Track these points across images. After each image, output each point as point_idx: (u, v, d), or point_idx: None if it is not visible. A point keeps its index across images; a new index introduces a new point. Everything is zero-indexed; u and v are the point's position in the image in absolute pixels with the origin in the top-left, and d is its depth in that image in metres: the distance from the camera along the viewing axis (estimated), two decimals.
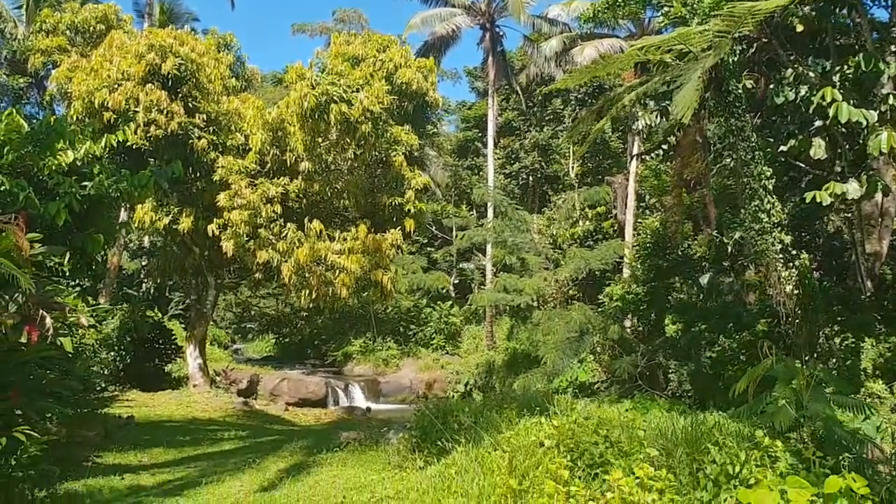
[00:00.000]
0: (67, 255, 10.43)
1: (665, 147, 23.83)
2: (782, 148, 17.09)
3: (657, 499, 5.27)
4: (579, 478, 5.88)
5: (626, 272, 26.80)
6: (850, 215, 24.87)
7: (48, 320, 7.45)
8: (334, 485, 8.28)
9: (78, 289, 20.69)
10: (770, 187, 14.99)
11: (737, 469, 5.24)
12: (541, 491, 5.25)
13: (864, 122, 13.89)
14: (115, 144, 10.09)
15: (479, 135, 43.60)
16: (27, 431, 6.84)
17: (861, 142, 17.23)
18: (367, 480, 8.29)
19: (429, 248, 42.44)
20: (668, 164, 31.08)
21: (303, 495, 7.77)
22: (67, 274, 10.53)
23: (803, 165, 19.65)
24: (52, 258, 10.06)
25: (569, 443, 6.27)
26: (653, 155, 25.10)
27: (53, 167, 8.99)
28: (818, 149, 15.93)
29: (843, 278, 20.94)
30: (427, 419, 9.30)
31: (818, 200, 14.94)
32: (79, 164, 9.44)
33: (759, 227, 15.03)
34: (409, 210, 17.29)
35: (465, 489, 6.37)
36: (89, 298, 18.22)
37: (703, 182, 19.68)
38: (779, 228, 14.94)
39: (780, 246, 14.87)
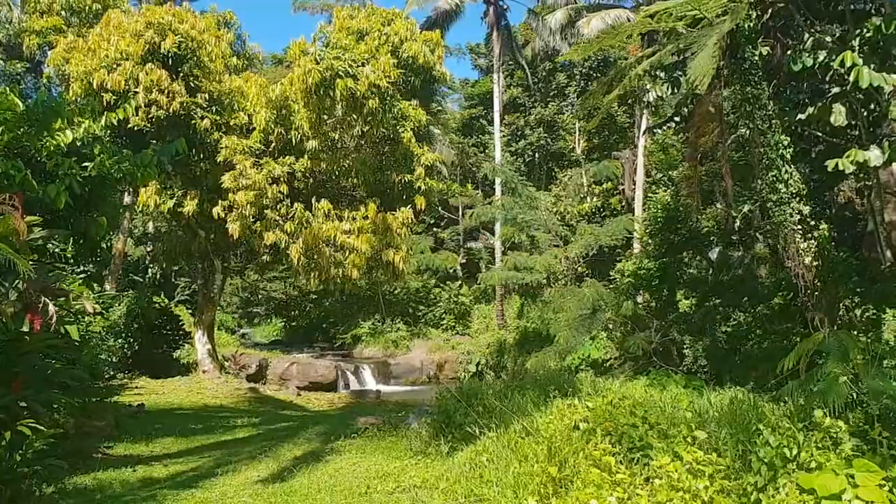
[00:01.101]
0: (70, 240, 10.12)
1: (677, 119, 23.42)
2: (800, 116, 16.70)
3: (708, 485, 4.91)
4: (619, 463, 5.51)
5: (637, 248, 26.46)
6: (861, 185, 24.49)
7: (51, 308, 7.09)
8: (355, 473, 7.90)
9: (83, 275, 20.49)
10: (788, 157, 14.64)
11: (794, 452, 4.87)
12: (585, 479, 4.89)
13: (886, 87, 13.45)
14: (115, 123, 9.66)
15: (484, 112, 43.10)
16: (32, 425, 6.50)
17: (878, 108, 16.85)
18: (390, 468, 7.92)
19: (435, 229, 42.11)
20: (678, 137, 30.73)
21: (323, 485, 7.40)
22: (71, 260, 10.17)
23: (820, 134, 19.27)
24: (53, 243, 9.72)
25: (606, 426, 5.90)
26: (664, 128, 24.63)
27: (52, 148, 8.57)
28: (839, 115, 15.50)
29: (857, 249, 20.58)
30: (450, 402, 8.94)
31: (840, 168, 14.63)
32: (78, 144, 9.02)
33: (777, 198, 14.71)
34: (419, 187, 16.84)
35: (498, 478, 6.02)
36: (94, 285, 17.93)
37: (720, 153, 19.24)
38: (797, 199, 14.63)
39: (798, 217, 14.58)
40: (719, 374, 16.76)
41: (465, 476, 6.47)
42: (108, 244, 24.02)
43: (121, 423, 11.07)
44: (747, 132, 18.42)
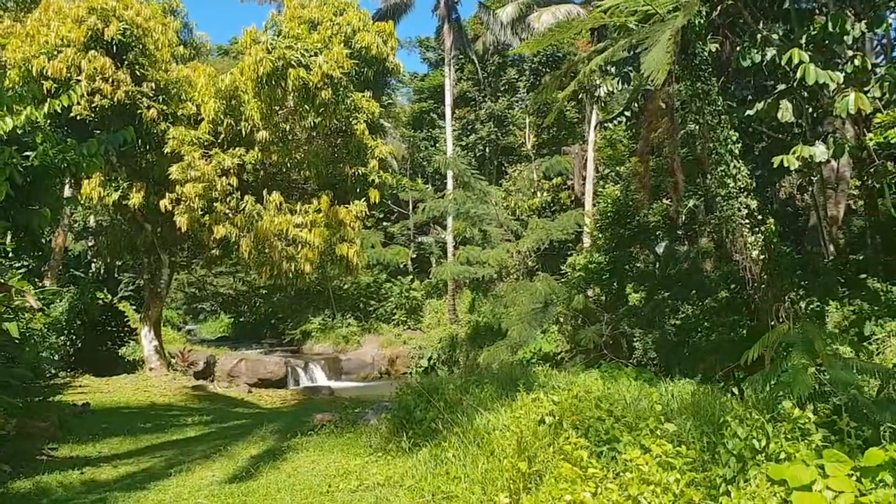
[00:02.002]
0: (10, 234, 9.66)
1: (628, 114, 23.66)
2: (748, 112, 17.04)
3: (679, 478, 4.89)
4: (589, 457, 5.45)
5: (587, 242, 26.68)
6: (802, 181, 25.13)
7: None
8: (315, 471, 7.66)
9: (22, 270, 19.73)
10: (736, 152, 14.89)
11: (763, 443, 4.88)
12: (556, 474, 4.82)
13: (831, 84, 13.81)
14: (58, 111, 9.22)
15: (435, 106, 42.94)
16: None
17: (820, 105, 17.29)
18: (351, 466, 7.71)
19: (385, 223, 41.83)
20: (627, 133, 31.14)
21: (283, 484, 7.15)
22: (10, 254, 9.72)
23: (765, 131, 19.69)
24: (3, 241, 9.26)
25: (573, 419, 5.85)
26: (613, 124, 24.86)
27: None
28: (785, 111, 15.87)
29: (799, 244, 21.13)
30: (410, 397, 8.79)
31: (786, 164, 14.98)
32: (19, 132, 8.60)
33: (726, 193, 14.95)
34: (372, 180, 16.63)
35: (465, 474, 5.90)
36: (35, 280, 17.29)
37: (669, 148, 19.48)
38: (745, 193, 14.92)
39: (746, 211, 14.86)
40: (668, 366, 16.96)
41: (430, 473, 6.34)
42: (49, 239, 23.33)
43: (65, 423, 10.60)
44: (697, 127, 18.74)
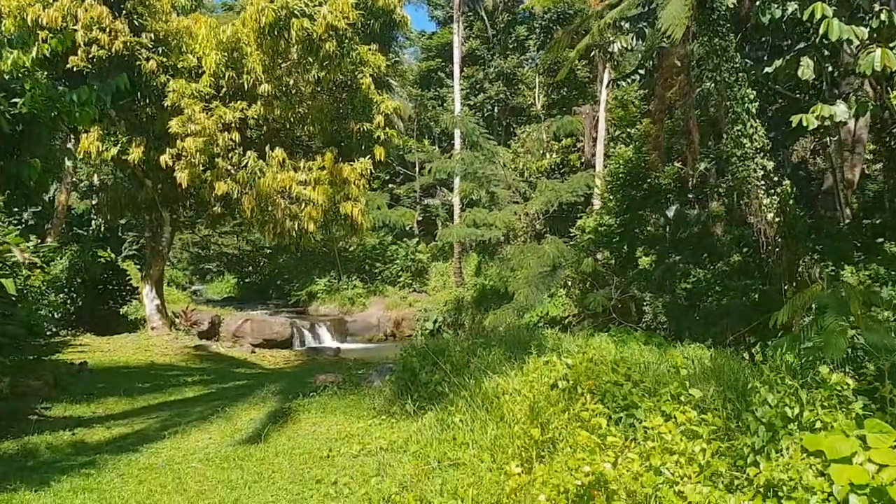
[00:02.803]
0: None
1: (642, 72, 23.09)
2: (767, 70, 16.54)
3: (705, 447, 4.53)
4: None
5: (597, 204, 26.25)
6: (816, 144, 24.57)
7: None
8: (316, 435, 7.34)
9: (20, 226, 19.39)
10: (753, 111, 14.52)
11: (796, 411, 4.50)
12: (573, 442, 4.46)
13: (854, 41, 13.23)
14: (47, 58, 8.74)
15: (443, 64, 42.11)
16: None
17: (840, 64, 16.71)
18: (353, 429, 7.37)
19: (391, 185, 41.33)
20: (638, 94, 30.49)
21: (281, 448, 6.83)
22: (2, 207, 9.35)
23: (780, 89, 19.14)
24: None
25: (589, 384, 5.47)
26: (627, 82, 24.24)
27: None
28: (806, 69, 15.34)
29: (811, 208, 20.69)
30: (415, 359, 8.43)
31: (805, 124, 14.55)
32: (6, 77, 8.16)
33: (742, 153, 14.64)
34: (378, 137, 16.15)
35: (474, 439, 5.55)
36: (34, 237, 16.96)
37: (685, 107, 18.96)
38: (761, 154, 14.57)
39: (762, 172, 14.52)
40: (678, 331, 16.76)
41: (436, 438, 5.98)
42: (51, 197, 22.98)
43: (60, 382, 10.30)
44: (712, 86, 18.21)
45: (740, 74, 14.30)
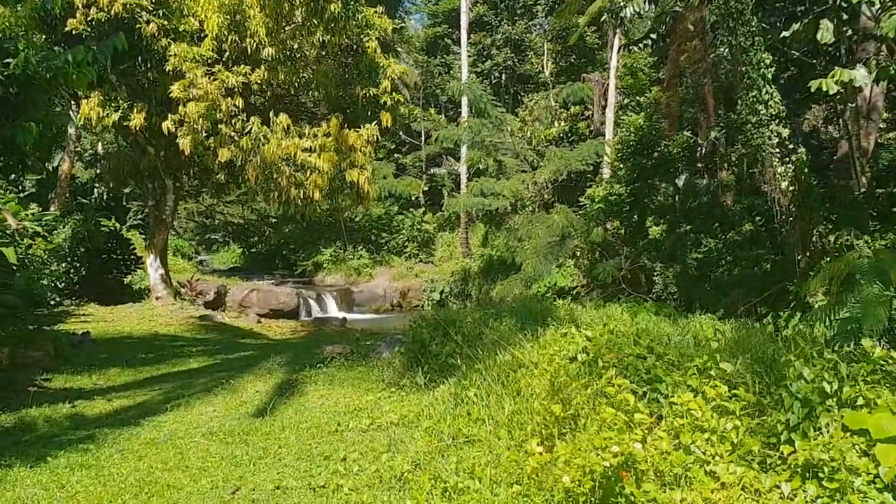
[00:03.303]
0: None
1: (654, 37, 22.59)
2: (784, 33, 16.10)
3: (738, 425, 4.26)
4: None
5: (607, 173, 25.85)
6: (829, 112, 24.09)
7: None
8: (323, 408, 7.09)
9: (21, 194, 19.12)
10: (769, 76, 14.12)
11: (834, 387, 4.21)
12: (601, 420, 4.17)
13: (876, 2, 12.81)
14: (40, 14, 8.38)
15: (449, 31, 41.38)
16: None
17: (858, 27, 16.21)
18: (362, 402, 7.12)
19: (396, 154, 40.86)
20: (647, 61, 29.95)
21: (288, 422, 6.58)
22: None
23: (797, 55, 18.67)
24: None
25: (610, 357, 5.19)
26: (639, 46, 23.71)
27: None
28: (825, 31, 14.88)
29: (824, 178, 20.33)
30: (425, 330, 8.15)
31: (824, 89, 14.20)
32: None
33: (756, 120, 14.29)
34: (384, 102, 15.73)
35: (490, 415, 5.27)
36: (35, 206, 16.72)
37: (697, 73, 18.52)
38: (776, 121, 14.22)
39: (776, 140, 14.21)
40: (689, 301, 16.60)
41: (450, 413, 5.69)
42: (56, 166, 22.70)
43: (61, 352, 10.07)
44: (726, 51, 17.80)
45: (756, 38, 13.93)
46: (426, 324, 8.42)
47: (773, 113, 13.94)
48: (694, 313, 14.04)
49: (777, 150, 13.97)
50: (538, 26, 40.13)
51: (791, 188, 14.09)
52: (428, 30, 43.76)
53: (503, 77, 40.02)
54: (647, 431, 4.17)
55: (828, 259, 14.66)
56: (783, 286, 14.80)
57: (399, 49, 27.75)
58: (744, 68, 14.14)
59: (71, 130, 22.57)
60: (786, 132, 13.98)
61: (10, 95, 8.13)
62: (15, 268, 9.62)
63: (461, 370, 6.54)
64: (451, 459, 4.76)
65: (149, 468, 5.45)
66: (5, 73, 7.63)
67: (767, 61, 13.89)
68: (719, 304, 15.38)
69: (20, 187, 20.29)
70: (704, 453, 4.18)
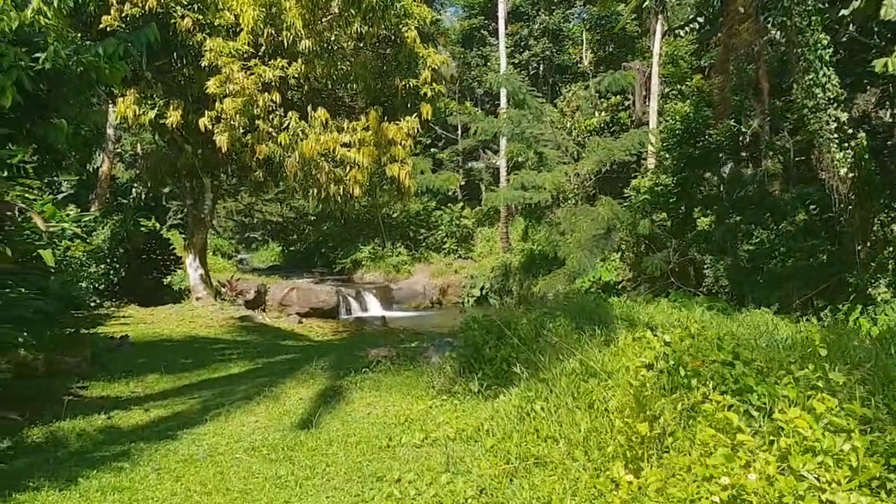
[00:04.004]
0: (29, 150, 8.67)
1: (700, 20, 21.88)
2: (843, 12, 15.42)
3: (857, 446, 3.66)
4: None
5: (651, 163, 25.16)
6: (883, 95, 23.09)
7: None
8: (371, 418, 6.57)
9: (57, 194, 19.06)
10: (827, 58, 13.50)
11: None
12: (700, 442, 3.61)
13: None
14: (72, 6, 8.03)
15: (486, 22, 40.78)
16: None
17: None
18: (413, 412, 6.59)
19: (433, 149, 40.41)
20: (688, 49, 29.18)
21: (335, 435, 6.08)
22: (31, 172, 8.73)
23: (856, 36, 17.85)
24: (11, 152, 8.27)
25: (694, 364, 4.61)
26: (685, 31, 22.96)
27: None
28: (889, 9, 14.14)
29: (880, 163, 19.56)
30: (478, 332, 7.62)
31: (890, 70, 13.62)
32: (27, 30, 7.49)
33: (813, 104, 13.70)
34: (424, 94, 15.26)
35: (562, 433, 4.69)
36: (74, 207, 16.61)
37: (755, 56, 17.73)
38: (834, 104, 13.59)
39: (835, 125, 13.58)
40: (741, 295, 16.19)
41: (515, 430, 5.10)
42: (96, 167, 22.69)
43: (99, 358, 9.75)
44: (777, 33, 17.09)
45: (813, 18, 13.30)
46: (478, 325, 7.88)
47: (831, 96, 13.39)
48: (747, 307, 13.49)
49: (835, 135, 13.43)
50: (576, 15, 39.40)
51: (850, 175, 13.48)
52: (463, 22, 43.23)
53: (541, 68, 39.33)
54: (751, 455, 3.60)
55: (891, 249, 13.99)
56: (841, 278, 14.14)
57: (437, 41, 27.28)
58: (799, 50, 13.57)
59: (110, 131, 22.55)
60: (844, 116, 13.44)
61: (41, 92, 7.78)
62: (53, 270, 9.35)
63: (522, 378, 5.98)
64: (522, 485, 4.21)
65: (186, 491, 4.98)
66: (35, 69, 7.28)
67: (825, 42, 13.34)
68: (773, 297, 14.83)
69: (57, 188, 20.25)
70: (819, 479, 3.59)
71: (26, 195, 9.14)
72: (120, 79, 8.68)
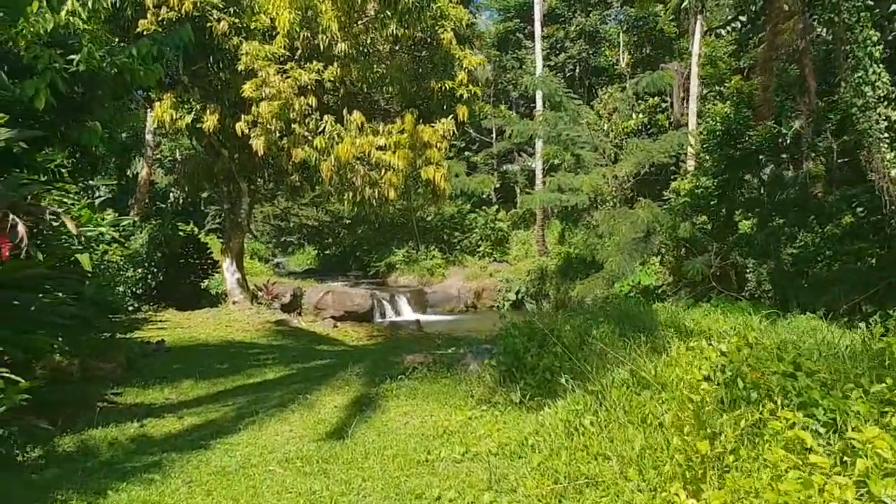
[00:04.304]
0: (65, 152, 8.65)
1: (743, 19, 21.36)
2: (894, 6, 14.90)
3: None
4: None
5: (691, 165, 24.68)
6: None
7: (20, 228, 5.59)
8: (408, 429, 6.32)
9: (97, 199, 19.23)
10: (877, 55, 13.05)
11: None
12: (773, 463, 3.32)
13: None
14: (106, 6, 7.98)
15: (521, 25, 40.48)
16: (6, 375, 5.13)
17: None
18: (452, 423, 6.31)
19: (467, 152, 40.19)
20: (727, 50, 28.62)
21: (371, 447, 5.85)
22: (66, 175, 8.71)
23: None
24: (48, 156, 8.25)
25: (754, 376, 4.30)
26: (726, 29, 22.42)
27: (29, 36, 6.98)
28: None
29: None
30: (519, 339, 7.34)
31: None
32: (62, 32, 7.43)
33: (863, 103, 13.25)
34: (461, 95, 15.05)
35: (615, 450, 4.39)
36: (111, 210, 16.70)
37: (800, 54, 17.23)
38: (885, 103, 13.13)
39: (885, 124, 13.13)
40: (785, 299, 15.69)
41: (563, 446, 4.81)
42: (136, 172, 22.94)
43: (134, 363, 9.69)
44: (823, 31, 16.69)
45: (862, 14, 12.87)
46: (518, 332, 7.61)
47: (881, 94, 12.95)
48: (791, 312, 13.06)
49: (885, 134, 12.99)
50: (613, 17, 38.92)
51: None
52: (499, 25, 43.00)
53: (577, 70, 38.90)
54: (825, 478, 3.30)
55: None
56: (891, 282, 13.64)
57: (473, 43, 27.09)
58: (847, 47, 13.16)
59: (148, 137, 22.78)
60: (895, 115, 12.95)
61: (75, 94, 7.73)
62: (90, 275, 9.31)
63: (568, 389, 5.69)
64: None
65: None
66: (69, 71, 7.22)
67: (874, 38, 12.91)
68: (819, 302, 14.31)
69: (94, 193, 20.42)
70: None
71: (63, 199, 9.11)
72: (155, 81, 8.62)
